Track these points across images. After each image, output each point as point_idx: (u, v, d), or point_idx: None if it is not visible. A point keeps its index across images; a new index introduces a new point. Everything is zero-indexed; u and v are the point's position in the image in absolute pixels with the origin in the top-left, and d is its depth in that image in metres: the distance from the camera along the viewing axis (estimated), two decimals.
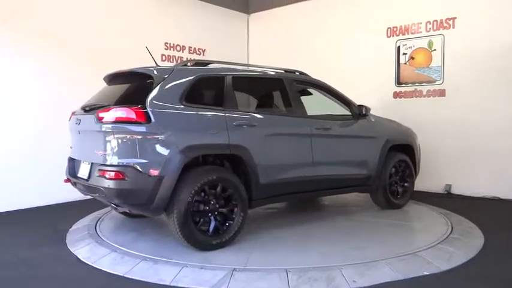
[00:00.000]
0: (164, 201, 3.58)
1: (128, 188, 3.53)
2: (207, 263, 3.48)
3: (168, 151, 3.57)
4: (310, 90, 5.16)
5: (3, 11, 5.50)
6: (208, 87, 4.19)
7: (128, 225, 4.68)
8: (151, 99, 3.63)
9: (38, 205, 5.78)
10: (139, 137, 3.54)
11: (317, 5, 8.06)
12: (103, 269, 3.51)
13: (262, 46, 8.90)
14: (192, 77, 3.92)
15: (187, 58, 7.81)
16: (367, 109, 5.05)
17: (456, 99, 6.54)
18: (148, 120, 3.55)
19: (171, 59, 7.55)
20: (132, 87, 3.99)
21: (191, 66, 4.29)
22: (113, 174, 3.53)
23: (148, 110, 3.57)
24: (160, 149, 3.57)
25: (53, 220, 5.14)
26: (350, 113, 5.06)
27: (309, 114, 4.71)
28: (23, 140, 5.72)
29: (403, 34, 7.08)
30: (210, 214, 3.79)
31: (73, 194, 5.95)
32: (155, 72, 3.88)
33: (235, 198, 3.88)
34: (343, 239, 4.15)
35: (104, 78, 4.47)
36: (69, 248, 4.07)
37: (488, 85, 6.26)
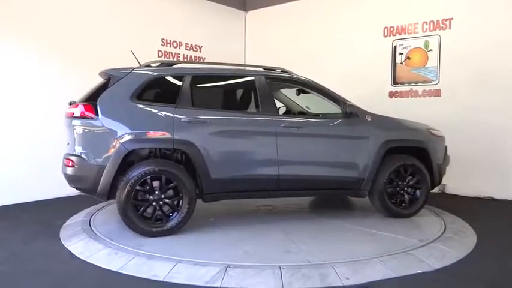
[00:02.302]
0: (106, 187, 3.97)
1: (77, 174, 4.09)
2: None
3: (109, 143, 3.99)
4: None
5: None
6: (164, 87, 4.45)
7: (122, 221, 4.65)
8: (101, 97, 4.09)
9: (32, 200, 5.75)
10: (88, 129, 4.07)
11: (314, 4, 8.06)
12: (96, 265, 3.51)
13: (259, 43, 8.90)
14: (146, 77, 4.26)
15: (184, 55, 7.82)
16: (350, 106, 4.66)
17: (451, 100, 6.57)
18: (97, 115, 4.00)
19: (168, 55, 7.53)
20: (101, 85, 4.30)
21: (155, 66, 4.52)
22: (67, 162, 4.13)
23: (98, 106, 4.01)
24: (103, 140, 4.01)
25: (46, 215, 5.13)
26: (340, 111, 4.75)
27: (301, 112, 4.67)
28: (17, 136, 5.70)
29: (400, 34, 7.10)
30: (154, 203, 4.02)
31: (67, 189, 5.96)
32: (114, 72, 4.28)
33: (180, 190, 4.07)
34: (287, 242, 3.96)
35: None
36: (63, 243, 4.07)
37: (484, 85, 6.30)
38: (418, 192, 4.87)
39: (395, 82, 7.18)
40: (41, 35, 5.87)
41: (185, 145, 4.12)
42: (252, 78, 4.65)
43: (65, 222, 4.73)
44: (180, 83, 4.33)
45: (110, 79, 4.22)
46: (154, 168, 4.00)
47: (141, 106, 4.13)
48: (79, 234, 4.24)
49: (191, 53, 7.97)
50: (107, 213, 5.03)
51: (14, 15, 5.61)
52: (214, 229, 4.36)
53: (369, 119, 4.79)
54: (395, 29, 7.15)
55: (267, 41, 8.76)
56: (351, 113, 4.67)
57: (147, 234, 4.00)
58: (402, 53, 7.10)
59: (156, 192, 4.03)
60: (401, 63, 7.11)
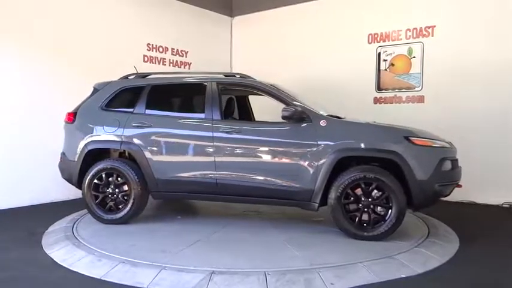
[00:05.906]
0: (76, 179, 4.85)
1: (62, 167, 5.06)
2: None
3: (77, 143, 4.84)
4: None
5: None
6: (128, 95, 4.99)
7: (106, 228, 4.61)
8: (81, 106, 5.01)
9: (14, 206, 5.65)
10: (69, 132, 5.00)
11: (300, 10, 8.12)
12: (79, 272, 3.47)
13: (245, 49, 8.93)
14: (116, 88, 4.98)
15: (170, 60, 7.80)
16: (285, 110, 4.28)
17: (434, 106, 6.68)
18: (75, 120, 4.94)
19: (153, 60, 7.50)
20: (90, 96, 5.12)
21: (131, 78, 5.15)
22: (60, 157, 5.08)
23: (77, 113, 4.95)
24: (75, 141, 4.88)
25: (29, 222, 5.05)
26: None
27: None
28: (1, 142, 5.60)
29: (384, 41, 7.20)
30: (110, 196, 4.73)
31: (50, 196, 5.89)
32: (97, 85, 5.09)
33: (128, 186, 4.66)
34: (189, 244, 3.98)
35: None
36: (45, 251, 4.00)
37: (465, 92, 6.42)
38: (388, 212, 4.09)
39: (379, 88, 7.27)
40: (30, 42, 5.80)
41: (129, 146, 4.71)
42: (204, 84, 4.76)
43: (47, 229, 4.65)
44: (140, 92, 4.88)
45: (93, 91, 5.05)
46: (107, 166, 4.69)
47: (105, 113, 4.85)
48: (62, 241, 4.18)
49: (177, 58, 7.96)
50: (91, 220, 4.93)
51: (7, 22, 5.54)
52: (160, 224, 4.80)
53: (324, 124, 4.29)
54: (379, 35, 7.24)
55: (252, 46, 8.79)
56: (288, 117, 4.28)
57: (101, 221, 4.71)
58: (386, 60, 7.20)
59: (111, 186, 4.70)
60: (386, 69, 7.20)
